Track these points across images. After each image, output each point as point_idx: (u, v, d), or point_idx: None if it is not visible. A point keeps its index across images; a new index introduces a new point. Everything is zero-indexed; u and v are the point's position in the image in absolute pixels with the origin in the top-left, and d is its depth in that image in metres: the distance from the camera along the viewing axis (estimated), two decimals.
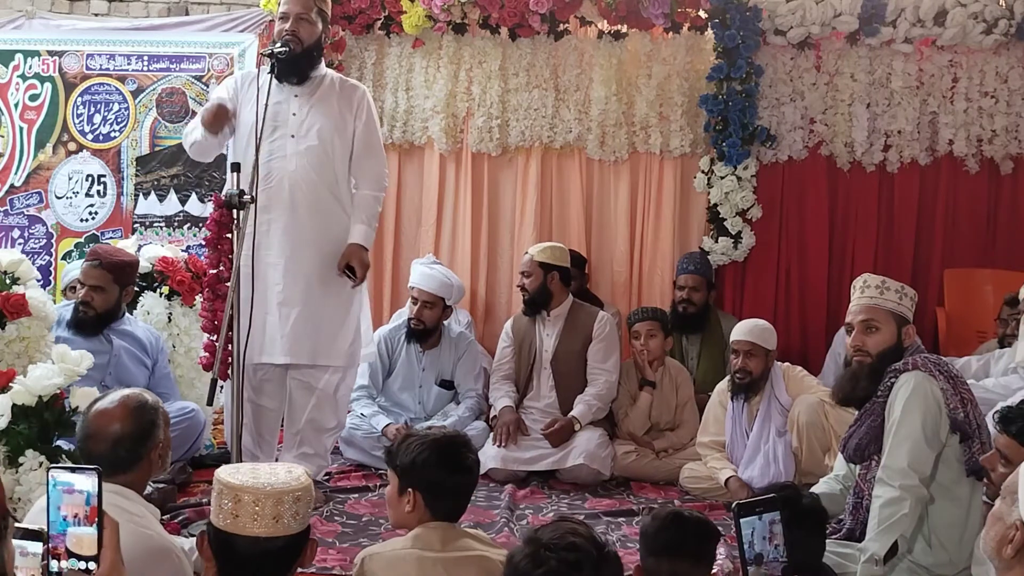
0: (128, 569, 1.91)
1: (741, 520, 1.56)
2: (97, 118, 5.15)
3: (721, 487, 3.96)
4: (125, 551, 1.85)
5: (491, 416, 4.48)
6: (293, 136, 3.51)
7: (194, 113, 5.01)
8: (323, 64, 3.69)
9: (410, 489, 2.26)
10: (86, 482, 1.51)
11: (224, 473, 1.92)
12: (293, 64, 3.47)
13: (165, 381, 4.01)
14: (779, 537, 1.56)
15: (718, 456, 4.04)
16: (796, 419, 3.81)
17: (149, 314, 4.22)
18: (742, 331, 4.02)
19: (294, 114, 3.53)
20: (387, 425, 4.28)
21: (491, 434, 4.34)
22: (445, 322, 4.64)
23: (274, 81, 3.42)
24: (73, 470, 1.50)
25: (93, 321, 3.83)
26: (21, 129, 5.15)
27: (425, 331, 4.52)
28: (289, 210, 3.49)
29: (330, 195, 3.57)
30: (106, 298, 3.85)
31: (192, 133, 3.58)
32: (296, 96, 3.55)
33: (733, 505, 1.58)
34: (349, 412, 4.39)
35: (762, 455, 3.90)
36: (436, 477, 2.26)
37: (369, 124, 3.67)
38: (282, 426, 3.79)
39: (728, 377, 4.11)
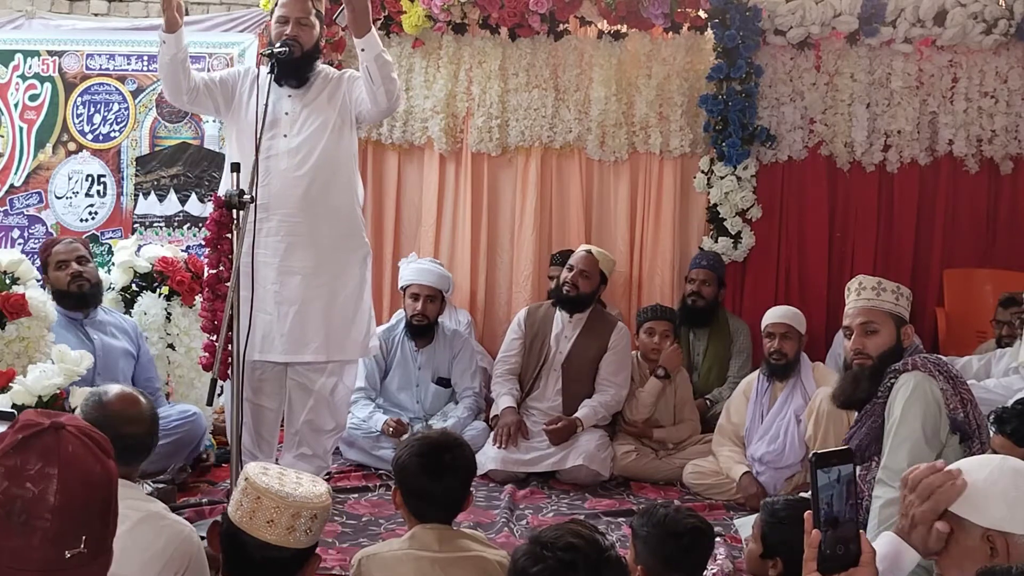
0: (151, 559, 2.00)
1: (819, 472, 1.46)
2: (97, 118, 5.15)
3: (724, 486, 4.02)
4: (148, 545, 1.98)
5: (491, 416, 4.48)
6: (285, 136, 3.52)
7: (194, 114, 5.02)
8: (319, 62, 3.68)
9: (396, 487, 2.32)
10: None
11: (252, 471, 1.94)
12: (294, 68, 3.48)
13: (150, 366, 4.06)
14: (855, 496, 1.48)
15: (734, 449, 4.08)
16: (817, 407, 3.78)
17: (146, 315, 4.23)
18: (777, 314, 4.13)
19: (286, 113, 3.53)
20: (384, 422, 4.28)
21: (491, 434, 4.34)
22: (439, 319, 4.65)
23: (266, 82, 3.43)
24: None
25: (93, 292, 3.92)
26: (21, 129, 5.15)
27: (429, 325, 4.54)
28: (282, 209, 3.49)
29: (323, 193, 3.54)
30: (92, 269, 3.97)
31: (159, 58, 3.56)
32: (289, 96, 3.55)
33: (810, 456, 1.51)
34: (348, 414, 4.39)
35: (772, 430, 3.97)
36: (413, 479, 2.28)
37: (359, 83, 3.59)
38: (283, 426, 3.79)
39: (758, 370, 4.19)
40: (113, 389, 2.37)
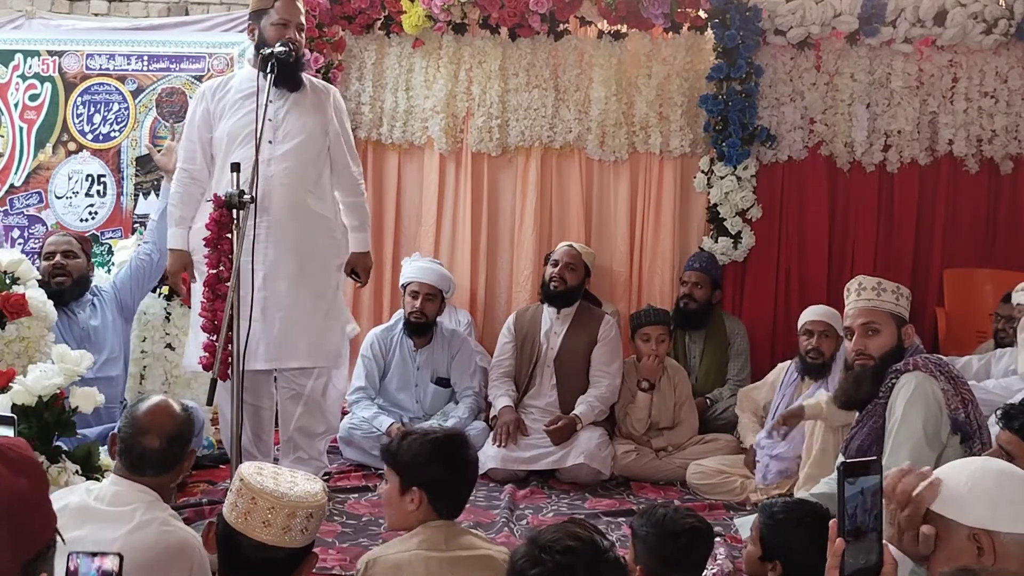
0: (150, 565, 1.96)
1: (846, 482, 1.47)
2: (97, 118, 5.15)
3: (727, 485, 4.04)
4: (147, 549, 1.94)
5: (491, 416, 4.49)
6: (271, 142, 3.53)
7: None
8: None
9: (414, 488, 2.25)
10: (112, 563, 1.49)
11: (246, 471, 1.93)
12: (292, 71, 3.51)
13: (141, 267, 4.12)
14: (879, 506, 1.49)
15: (752, 418, 4.25)
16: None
17: (146, 314, 4.24)
18: (817, 312, 4.08)
19: (270, 119, 3.53)
20: (391, 425, 4.28)
21: (491, 434, 4.34)
22: (437, 319, 4.66)
23: (252, 86, 3.42)
24: (94, 555, 1.47)
25: (72, 288, 3.95)
26: (21, 129, 5.15)
27: (427, 324, 4.55)
28: (270, 215, 3.49)
29: (308, 197, 3.58)
30: (78, 264, 4.00)
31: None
32: (271, 102, 3.54)
33: (838, 464, 1.52)
34: (348, 414, 4.40)
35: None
36: (438, 475, 2.26)
37: (345, 128, 3.75)
38: (277, 427, 3.80)
39: (795, 359, 4.15)
40: (153, 399, 2.40)
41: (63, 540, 1.39)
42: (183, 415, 2.38)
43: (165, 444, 2.29)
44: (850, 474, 1.48)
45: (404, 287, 4.64)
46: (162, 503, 2.26)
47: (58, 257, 3.96)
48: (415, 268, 4.67)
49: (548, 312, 4.56)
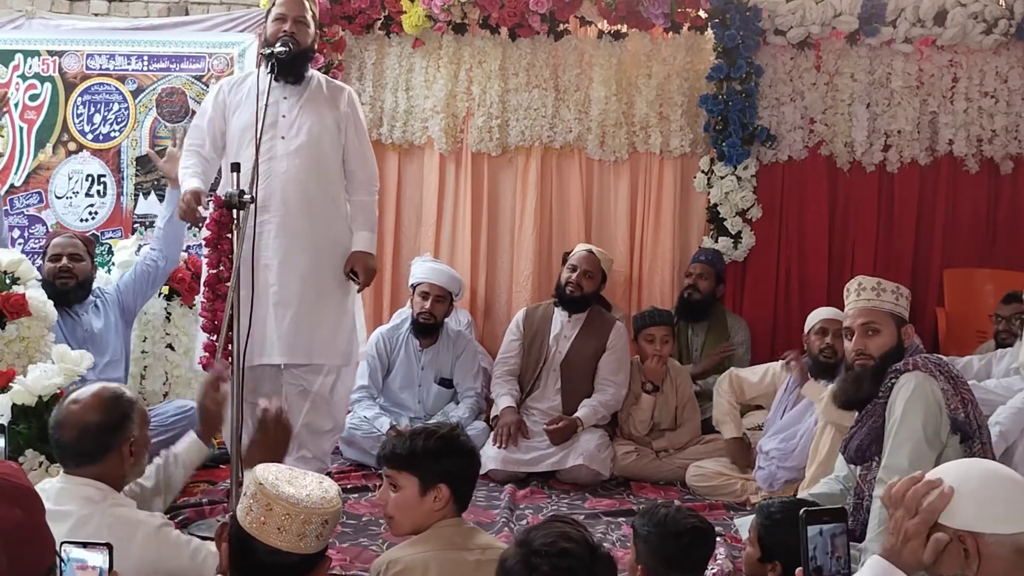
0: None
1: (808, 528, 1.56)
2: (97, 118, 5.15)
3: (727, 487, 4.03)
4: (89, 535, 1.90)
5: (492, 416, 4.48)
6: (284, 138, 3.54)
7: (194, 112, 5.01)
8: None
9: (440, 485, 2.22)
10: (97, 558, 1.51)
11: (262, 475, 1.91)
12: (291, 64, 3.50)
13: (147, 272, 4.10)
14: (841, 549, 1.56)
15: (734, 404, 4.17)
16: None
17: (146, 314, 4.24)
18: (831, 312, 3.90)
19: (283, 116, 3.55)
20: (391, 427, 4.28)
21: (491, 434, 4.34)
22: (444, 320, 4.66)
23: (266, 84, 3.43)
24: (85, 545, 1.50)
25: (76, 290, 3.95)
26: (21, 129, 5.14)
27: (435, 325, 4.55)
28: (282, 211, 3.51)
29: (322, 194, 3.59)
30: (84, 267, 4.00)
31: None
32: (285, 98, 3.56)
33: (801, 512, 1.58)
34: (350, 413, 4.40)
35: (791, 431, 3.91)
36: (461, 466, 2.26)
37: (359, 127, 3.74)
38: None
39: (804, 359, 4.06)
40: (79, 391, 2.33)
41: (64, 561, 1.38)
42: (106, 403, 2.28)
43: (78, 435, 2.23)
44: (812, 520, 1.58)
45: (413, 287, 4.63)
46: (104, 495, 2.23)
47: (65, 260, 3.95)
48: (426, 269, 4.66)
49: (559, 315, 4.53)
